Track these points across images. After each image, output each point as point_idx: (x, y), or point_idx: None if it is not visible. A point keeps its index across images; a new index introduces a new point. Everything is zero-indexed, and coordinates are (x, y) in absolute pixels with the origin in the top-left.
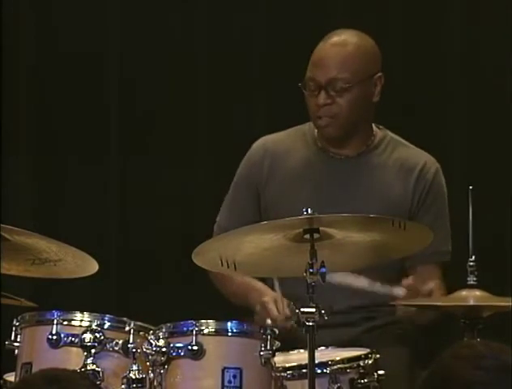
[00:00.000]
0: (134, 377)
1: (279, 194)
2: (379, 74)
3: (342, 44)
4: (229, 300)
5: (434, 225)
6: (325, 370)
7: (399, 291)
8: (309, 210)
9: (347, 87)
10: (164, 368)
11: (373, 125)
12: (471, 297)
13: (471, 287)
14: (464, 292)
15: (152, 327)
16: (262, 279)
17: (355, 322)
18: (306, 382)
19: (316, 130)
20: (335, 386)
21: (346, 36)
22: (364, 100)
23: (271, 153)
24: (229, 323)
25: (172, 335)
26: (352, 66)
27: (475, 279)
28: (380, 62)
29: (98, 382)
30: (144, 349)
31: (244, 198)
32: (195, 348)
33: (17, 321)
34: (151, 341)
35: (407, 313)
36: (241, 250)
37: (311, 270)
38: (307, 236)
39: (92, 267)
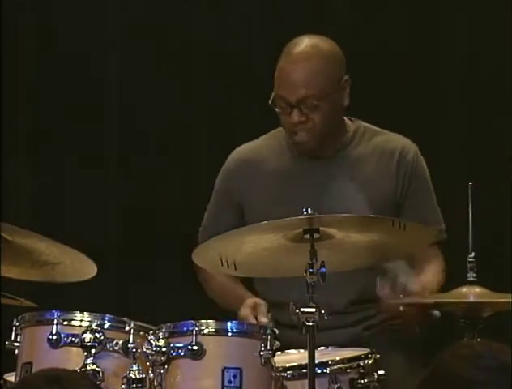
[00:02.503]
0: (134, 377)
1: (260, 202)
2: (345, 77)
3: (304, 58)
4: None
5: (424, 206)
6: (325, 370)
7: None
8: (309, 210)
9: (318, 104)
10: (164, 368)
11: (345, 118)
12: (471, 293)
13: (471, 283)
14: (464, 289)
15: (152, 327)
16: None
17: (351, 322)
18: (306, 382)
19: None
20: (335, 386)
21: (306, 47)
22: (336, 108)
23: (247, 163)
24: (229, 323)
25: (172, 335)
26: (320, 80)
27: (474, 275)
28: (344, 64)
29: (98, 382)
30: (144, 349)
31: (221, 208)
32: (195, 348)
33: (17, 321)
34: (151, 341)
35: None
36: (241, 250)
37: (311, 270)
38: (307, 236)
39: (91, 270)
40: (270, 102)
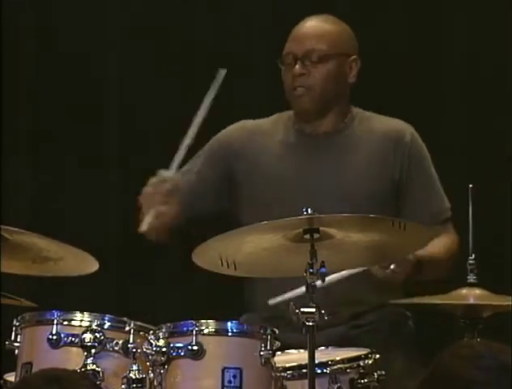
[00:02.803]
0: (134, 377)
1: (258, 174)
2: (355, 56)
3: (320, 20)
4: None
5: (427, 186)
6: (325, 370)
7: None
8: (309, 210)
9: (322, 56)
10: (164, 368)
11: (350, 106)
12: (471, 295)
13: (471, 285)
14: (464, 291)
15: (152, 327)
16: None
17: (339, 322)
18: (306, 382)
19: (293, 115)
20: (335, 386)
21: (325, 16)
22: (338, 75)
23: (249, 133)
24: (229, 323)
25: (172, 335)
26: (328, 39)
27: (475, 277)
28: (356, 48)
29: (98, 382)
30: (144, 349)
31: (207, 170)
32: (195, 348)
33: (17, 321)
34: (151, 341)
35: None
36: (241, 250)
37: (311, 270)
38: (307, 236)
39: (93, 265)
40: (278, 60)
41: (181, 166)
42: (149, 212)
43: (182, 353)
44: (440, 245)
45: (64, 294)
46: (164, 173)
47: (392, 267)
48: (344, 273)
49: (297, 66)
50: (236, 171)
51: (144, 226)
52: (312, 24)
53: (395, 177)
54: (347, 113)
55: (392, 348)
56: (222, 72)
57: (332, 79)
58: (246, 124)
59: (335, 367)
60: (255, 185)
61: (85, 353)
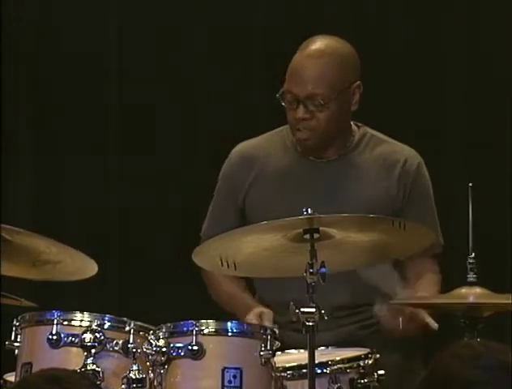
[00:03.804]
0: (134, 377)
1: (261, 200)
2: (358, 82)
3: (318, 55)
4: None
5: (422, 219)
6: (325, 370)
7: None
8: (309, 210)
9: (326, 100)
10: (164, 368)
11: (352, 123)
12: (471, 294)
13: (471, 284)
14: (464, 290)
15: (152, 327)
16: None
17: (343, 324)
18: (306, 382)
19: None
20: (335, 386)
21: (322, 45)
22: (342, 111)
23: (251, 159)
24: (229, 323)
25: (172, 335)
26: (330, 79)
27: (474, 276)
28: (359, 70)
29: (98, 382)
30: (144, 349)
31: (224, 207)
32: (195, 348)
33: (17, 321)
34: (151, 341)
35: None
36: (241, 250)
37: (311, 270)
38: (307, 236)
39: (92, 268)
40: (278, 95)
41: None
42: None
43: (182, 353)
44: (435, 283)
45: (64, 294)
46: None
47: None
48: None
49: (300, 110)
50: (243, 202)
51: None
52: (310, 61)
53: (397, 205)
54: (350, 137)
55: (395, 349)
56: None
57: (336, 117)
58: (245, 151)
59: (335, 367)
60: (258, 213)
61: (85, 353)
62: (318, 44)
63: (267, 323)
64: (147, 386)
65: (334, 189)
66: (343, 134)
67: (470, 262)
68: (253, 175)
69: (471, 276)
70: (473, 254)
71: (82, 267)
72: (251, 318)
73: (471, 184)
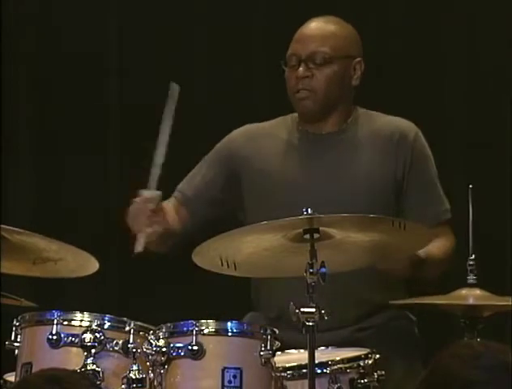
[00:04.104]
0: (134, 377)
1: (261, 173)
2: (359, 59)
3: (324, 22)
4: None
5: (428, 187)
6: (325, 370)
7: None
8: (309, 210)
9: (326, 58)
10: (164, 368)
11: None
12: (471, 295)
13: (471, 286)
14: (464, 291)
15: (152, 327)
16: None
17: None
18: (306, 382)
19: (297, 116)
20: (335, 386)
21: (329, 18)
22: (342, 78)
23: (252, 136)
24: (229, 323)
25: (172, 335)
26: (333, 41)
27: (474, 277)
28: (361, 50)
29: (98, 382)
30: (144, 349)
31: (212, 172)
32: (195, 348)
33: (17, 321)
34: (151, 341)
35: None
36: (241, 250)
37: (311, 270)
38: (307, 236)
39: (93, 265)
40: (282, 62)
41: (158, 186)
42: (139, 234)
43: (182, 353)
44: (439, 245)
45: (64, 294)
46: (146, 193)
47: None
48: None
49: (301, 68)
50: (241, 175)
51: (139, 248)
52: (317, 26)
53: (398, 177)
54: (350, 114)
55: (394, 354)
56: (175, 87)
57: (336, 81)
58: (249, 128)
59: (335, 367)
60: (259, 188)
61: (85, 353)
62: (326, 17)
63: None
64: (147, 386)
65: (333, 163)
66: (343, 106)
67: (470, 264)
68: (255, 149)
69: (471, 278)
70: (473, 256)
71: (83, 264)
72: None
73: (471, 185)
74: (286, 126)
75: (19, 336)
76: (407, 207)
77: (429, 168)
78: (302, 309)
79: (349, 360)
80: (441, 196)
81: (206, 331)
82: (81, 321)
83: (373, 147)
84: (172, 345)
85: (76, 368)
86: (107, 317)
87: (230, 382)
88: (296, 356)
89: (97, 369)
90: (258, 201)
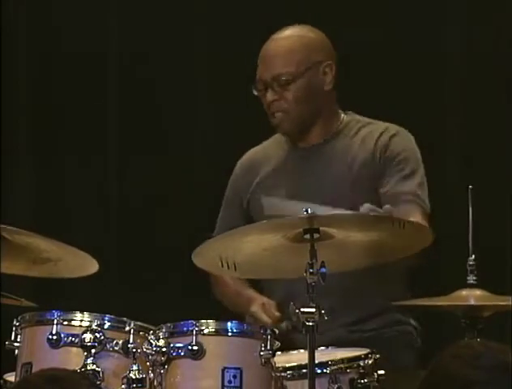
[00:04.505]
0: (134, 377)
1: (258, 194)
2: (327, 62)
3: (283, 38)
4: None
5: (406, 176)
6: (325, 370)
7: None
8: (309, 210)
9: (289, 79)
10: (164, 368)
11: (341, 111)
12: (471, 296)
13: (471, 286)
14: (464, 292)
15: (152, 327)
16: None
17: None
18: (306, 382)
19: None
20: (335, 386)
21: (289, 30)
22: (313, 89)
23: (253, 166)
24: (229, 323)
25: (172, 335)
26: (293, 58)
27: (474, 278)
28: (329, 52)
29: (98, 382)
30: (144, 349)
31: (231, 214)
32: (195, 348)
33: (17, 321)
34: (151, 341)
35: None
36: (241, 251)
37: (311, 270)
38: (307, 236)
39: (93, 266)
40: (252, 87)
41: None
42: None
43: (182, 353)
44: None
45: (64, 294)
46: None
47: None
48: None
49: (269, 93)
50: (247, 206)
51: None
52: (276, 44)
53: (376, 172)
54: (335, 121)
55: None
56: None
57: (306, 95)
58: (246, 158)
59: (335, 367)
60: (258, 213)
61: (85, 353)
62: (284, 31)
63: (272, 311)
64: (147, 386)
65: (317, 174)
66: (326, 113)
67: (470, 264)
68: (257, 179)
69: (472, 278)
70: (473, 256)
71: (83, 264)
72: (255, 309)
73: (471, 186)
74: (279, 145)
75: (19, 336)
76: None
77: (408, 159)
78: (302, 309)
79: (349, 360)
80: (423, 187)
81: (206, 331)
82: (81, 321)
83: (357, 153)
84: (172, 345)
85: (76, 368)
86: (107, 317)
87: (230, 382)
88: (296, 357)
89: (97, 369)
90: None
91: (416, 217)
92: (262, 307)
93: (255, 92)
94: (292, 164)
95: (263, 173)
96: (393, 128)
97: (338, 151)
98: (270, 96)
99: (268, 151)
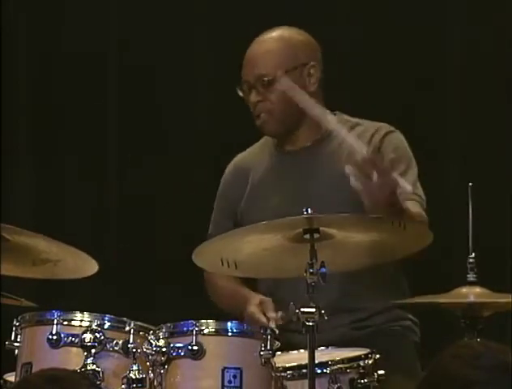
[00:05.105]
0: (134, 377)
1: (250, 204)
2: (311, 63)
3: (266, 40)
4: (218, 305)
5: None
6: (325, 370)
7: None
8: (309, 210)
9: (271, 80)
10: (164, 368)
11: (328, 111)
12: (471, 293)
13: (471, 284)
14: (464, 289)
15: (152, 327)
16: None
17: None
18: (306, 382)
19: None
20: (335, 386)
21: (274, 32)
22: None
23: (240, 169)
24: (229, 323)
25: (172, 335)
26: (276, 59)
27: (474, 275)
28: (314, 53)
29: (98, 382)
30: (144, 349)
31: (223, 225)
32: (195, 348)
33: (17, 321)
34: (151, 341)
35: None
36: (241, 250)
37: (311, 270)
38: (307, 236)
39: (92, 267)
40: (238, 89)
41: None
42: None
43: (182, 353)
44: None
45: (64, 294)
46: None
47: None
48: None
49: (252, 94)
50: (237, 211)
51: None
52: (259, 46)
53: None
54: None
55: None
56: None
57: (289, 97)
58: (235, 163)
59: (335, 367)
60: (249, 219)
61: (85, 353)
62: (269, 32)
63: (270, 311)
64: (147, 386)
65: (306, 178)
66: (312, 118)
67: (470, 262)
68: (248, 188)
69: (472, 276)
70: (473, 254)
71: (83, 265)
72: (252, 309)
73: (471, 183)
74: (267, 148)
75: (19, 336)
76: None
77: (400, 155)
78: (302, 309)
79: (349, 360)
80: (416, 184)
81: (206, 331)
82: (81, 321)
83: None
84: (172, 345)
85: (76, 368)
86: (107, 317)
87: (230, 382)
88: (296, 356)
89: (97, 369)
90: None
91: (417, 210)
92: (258, 307)
93: (240, 93)
94: (282, 170)
95: (254, 181)
96: (383, 128)
97: (328, 154)
98: (254, 97)
99: (255, 156)
